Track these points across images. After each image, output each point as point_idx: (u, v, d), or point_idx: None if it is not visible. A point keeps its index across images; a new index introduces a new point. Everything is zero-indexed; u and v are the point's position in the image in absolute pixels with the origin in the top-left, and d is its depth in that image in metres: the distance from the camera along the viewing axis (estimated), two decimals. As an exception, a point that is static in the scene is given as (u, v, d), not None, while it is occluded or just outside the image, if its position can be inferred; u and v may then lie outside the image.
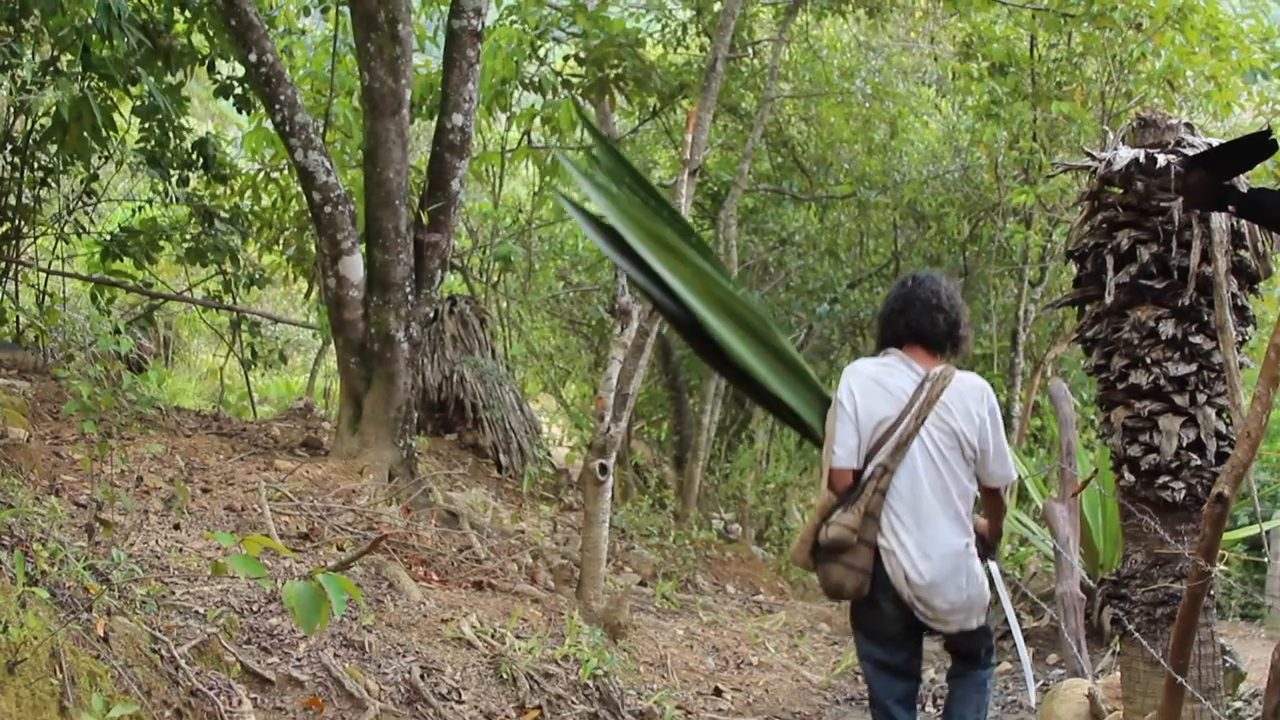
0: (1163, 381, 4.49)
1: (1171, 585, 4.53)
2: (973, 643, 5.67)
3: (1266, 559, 13.41)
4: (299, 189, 11.22)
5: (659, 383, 16.17)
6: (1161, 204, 4.50)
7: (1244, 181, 3.78)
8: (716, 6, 14.00)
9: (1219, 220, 4.37)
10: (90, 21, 9.64)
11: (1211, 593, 4.50)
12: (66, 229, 11.99)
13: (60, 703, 3.89)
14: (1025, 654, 6.87)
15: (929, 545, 5.34)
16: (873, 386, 5.50)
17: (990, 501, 5.69)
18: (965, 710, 5.81)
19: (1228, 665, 6.47)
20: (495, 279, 15.90)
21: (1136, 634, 4.61)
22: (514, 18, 13.77)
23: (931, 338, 5.53)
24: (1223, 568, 3.96)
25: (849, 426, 5.47)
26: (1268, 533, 13.29)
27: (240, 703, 4.98)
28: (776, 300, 16.04)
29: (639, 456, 16.21)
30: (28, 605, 4.18)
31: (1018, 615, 10.61)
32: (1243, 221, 4.46)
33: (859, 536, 5.36)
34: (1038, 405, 14.23)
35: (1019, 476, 11.49)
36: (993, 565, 5.78)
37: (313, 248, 12.14)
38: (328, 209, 9.28)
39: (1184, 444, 4.49)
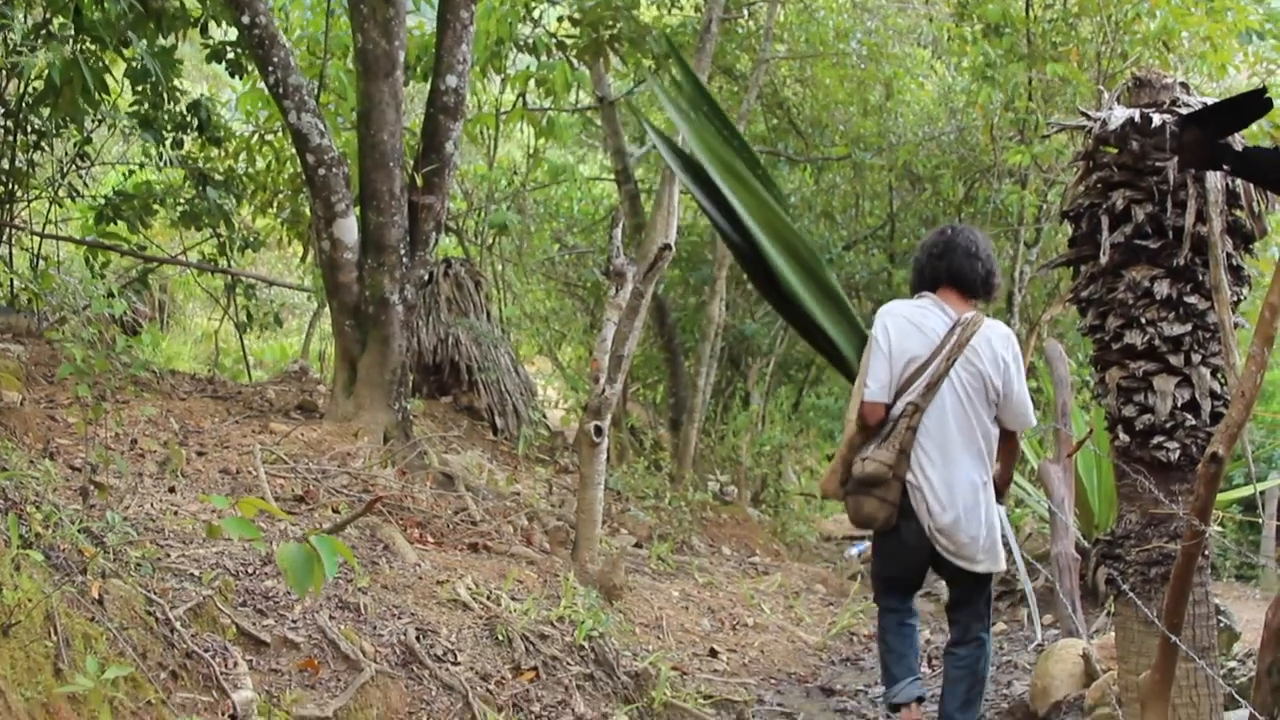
0: (1158, 342, 4.48)
1: (1166, 545, 4.53)
2: (975, 591, 6.07)
3: (1261, 520, 13.44)
4: (293, 151, 11.19)
5: (654, 345, 16.16)
6: (1157, 164, 4.48)
7: (1239, 140, 3.77)
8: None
9: (1214, 180, 4.36)
10: (82, -17, 9.61)
11: (1206, 553, 4.50)
12: (60, 192, 11.96)
13: (55, 665, 3.89)
14: (1030, 590, 6.88)
15: (953, 481, 5.79)
16: (907, 326, 5.92)
17: (1007, 444, 6.08)
18: (951, 703, 6.12)
19: (1222, 625, 6.49)
20: (490, 242, 15.88)
21: (1131, 594, 4.62)
22: (508, -21, 13.70)
23: (969, 283, 5.98)
24: (1217, 528, 3.97)
25: (883, 362, 5.88)
26: (1262, 493, 13.32)
27: (236, 665, 4.98)
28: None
29: (634, 419, 16.23)
30: (22, 568, 4.18)
31: (1011, 576, 10.66)
32: (1238, 181, 4.45)
33: (894, 472, 5.82)
34: (1033, 367, 14.23)
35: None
36: (1000, 510, 6.01)
37: (307, 210, 12.09)
38: (322, 171, 9.26)
39: (1179, 404, 4.49)
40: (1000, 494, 6.03)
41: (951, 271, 6.00)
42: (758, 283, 7.01)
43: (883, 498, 5.88)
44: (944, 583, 6.71)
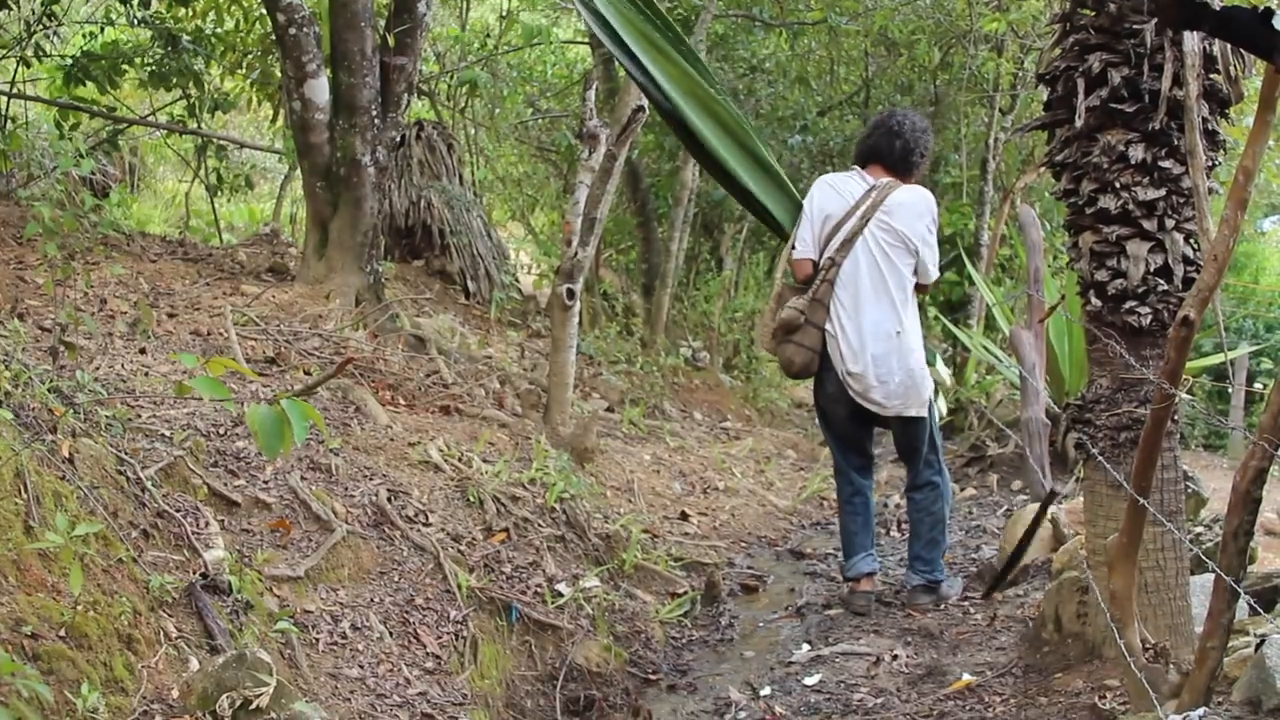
0: (1131, 206, 4.46)
1: (1136, 410, 4.54)
2: (912, 438, 6.76)
3: (1230, 389, 13.54)
4: (263, 11, 11.02)
5: (627, 210, 16.07)
6: (1134, 26, 4.44)
7: (1217, 1, 3.72)
8: None
9: (1191, 43, 4.32)
10: None
11: (1175, 418, 4.52)
12: (28, 52, 11.77)
13: (25, 522, 3.89)
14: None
15: (865, 329, 6.48)
16: (829, 191, 6.69)
17: (917, 293, 6.76)
18: (916, 544, 6.86)
19: (1190, 490, 6.54)
20: (463, 105, 15.73)
21: (1100, 458, 4.64)
22: None
23: (888, 157, 6.68)
24: (1187, 396, 3.97)
25: (807, 223, 6.67)
26: (1232, 363, 13.40)
27: (207, 524, 5.00)
28: (746, 128, 15.89)
29: (607, 284, 16.21)
30: (-9, 426, 4.17)
31: (982, 442, 10.74)
32: (1215, 45, 4.41)
33: (805, 318, 6.58)
34: (1006, 235, 14.23)
35: (988, 304, 11.55)
36: (941, 367, 6.47)
37: (277, 71, 11.94)
38: (292, 31, 9.13)
39: (1151, 269, 4.47)
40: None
41: (876, 148, 6.72)
42: (691, 150, 7.68)
43: (799, 343, 6.61)
44: None
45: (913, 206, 6.53)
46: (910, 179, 6.71)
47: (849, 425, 6.85)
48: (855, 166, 6.80)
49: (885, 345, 6.47)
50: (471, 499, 6.45)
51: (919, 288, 6.68)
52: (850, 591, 6.85)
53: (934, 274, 6.63)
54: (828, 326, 6.57)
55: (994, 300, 11.79)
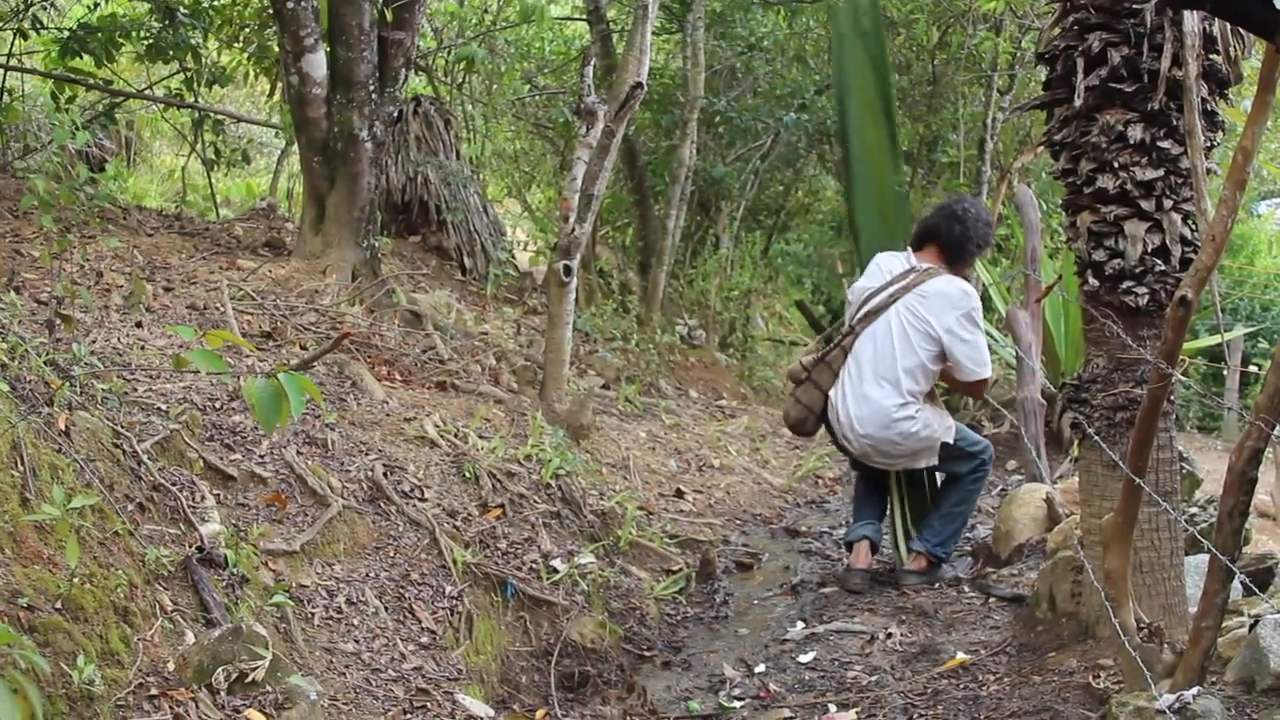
0: (1129, 186, 4.46)
1: (1132, 390, 4.55)
2: (925, 471, 6.95)
3: (1225, 371, 13.55)
4: (260, -16, 11.00)
5: (624, 188, 16.04)
6: (1134, 6, 4.44)
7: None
8: None
9: (1191, 23, 4.32)
10: None
11: (1171, 398, 4.53)
12: (25, 24, 11.73)
13: (21, 494, 3.89)
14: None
15: (864, 401, 6.54)
16: (873, 267, 6.83)
17: (962, 390, 6.98)
18: (934, 512, 6.92)
19: (1185, 471, 6.56)
20: (461, 81, 15.68)
21: (1096, 437, 4.65)
22: None
23: (944, 240, 6.65)
24: (1182, 377, 3.98)
25: (851, 297, 6.87)
26: (1228, 344, 13.40)
27: (203, 498, 5.00)
28: (744, 106, 15.86)
29: (604, 262, 16.17)
30: (-13, 398, 4.17)
31: (977, 422, 10.74)
32: (1215, 25, 4.41)
33: (808, 375, 6.77)
34: (1003, 216, 14.22)
35: (985, 284, 11.55)
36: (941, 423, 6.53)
37: (275, 45, 11.90)
38: (290, 5, 9.09)
39: (1149, 249, 4.48)
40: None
41: (935, 229, 6.69)
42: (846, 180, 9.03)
43: (798, 399, 6.80)
44: None
45: (948, 298, 6.49)
46: (960, 269, 6.71)
47: (861, 466, 7.04)
48: (908, 247, 6.83)
49: (882, 420, 6.53)
50: (467, 475, 6.46)
51: (958, 384, 6.75)
52: (846, 568, 6.87)
53: (976, 371, 6.55)
54: (831, 392, 6.71)
55: (991, 280, 11.79)
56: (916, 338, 6.46)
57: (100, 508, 4.21)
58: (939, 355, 6.49)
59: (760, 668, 5.77)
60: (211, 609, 4.29)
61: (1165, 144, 4.46)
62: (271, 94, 14.12)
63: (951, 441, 6.63)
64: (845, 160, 8.50)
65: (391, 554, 5.57)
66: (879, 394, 6.49)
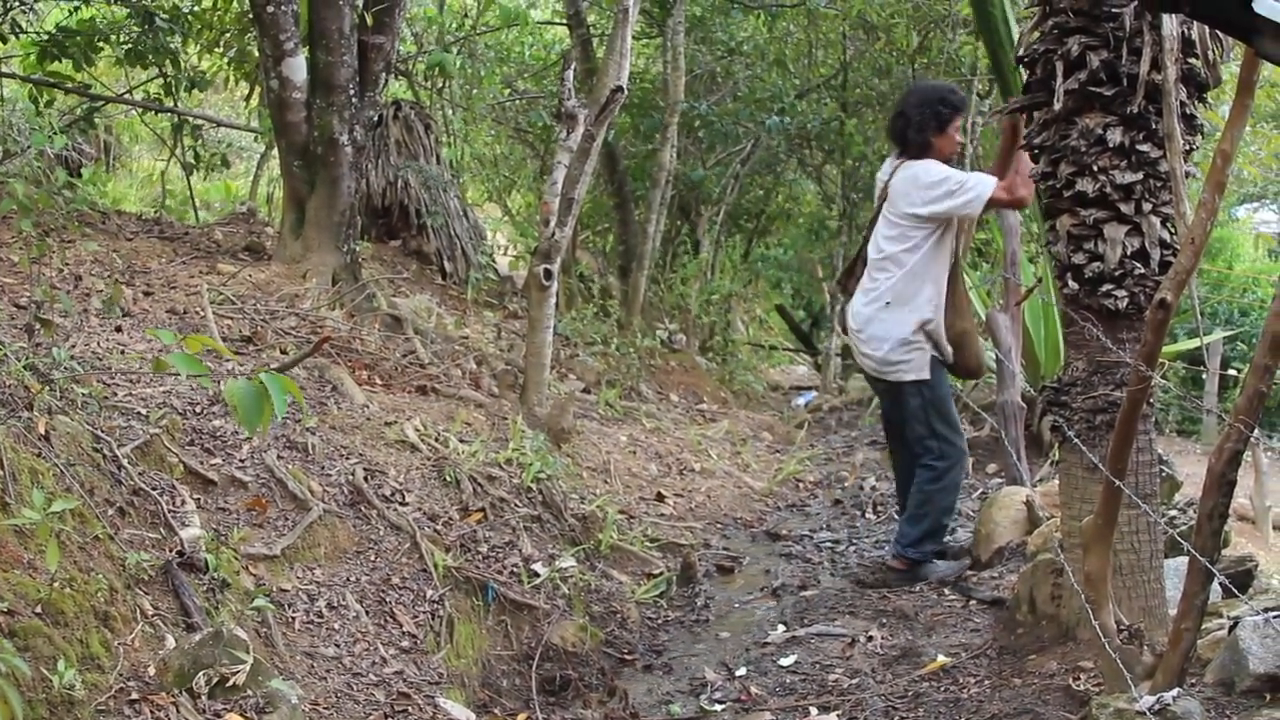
0: (1109, 189, 4.47)
1: (1112, 393, 4.56)
2: (902, 410, 6.85)
3: (1204, 375, 13.59)
4: (239, -11, 10.98)
5: (604, 192, 16.04)
6: (1113, 9, 4.45)
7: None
8: None
9: (1170, 27, 4.33)
10: None
11: (1150, 401, 4.54)
12: (3, 29, 11.70)
13: (1, 499, 3.88)
14: None
15: (858, 299, 6.85)
16: (876, 182, 7.01)
17: (1016, 205, 6.67)
18: (901, 516, 7.06)
19: (1164, 474, 6.57)
20: (440, 85, 15.68)
21: (1076, 440, 4.66)
22: None
23: (898, 139, 6.79)
24: (1162, 380, 4.00)
25: None
26: (1207, 347, 13.44)
27: (183, 503, 4.99)
28: (724, 110, 15.88)
29: (584, 266, 16.19)
30: (-34, 403, 4.16)
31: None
32: (1194, 29, 4.42)
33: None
34: (983, 218, 14.23)
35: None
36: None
37: (254, 50, 11.88)
38: (270, 9, 9.09)
39: (1128, 252, 4.49)
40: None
41: (891, 131, 6.91)
42: None
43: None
44: None
45: (900, 187, 6.62)
46: (919, 154, 6.64)
47: (882, 402, 7.33)
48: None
49: (865, 315, 6.74)
50: (448, 479, 6.45)
51: (1012, 201, 6.41)
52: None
53: (963, 201, 6.41)
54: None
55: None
56: (893, 231, 6.65)
57: (80, 512, 4.20)
58: (913, 245, 6.59)
59: (741, 671, 5.78)
60: (192, 613, 4.28)
61: (1144, 147, 4.47)
62: (251, 98, 14.09)
63: (922, 394, 6.71)
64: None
65: (372, 558, 5.56)
66: (866, 291, 6.80)
